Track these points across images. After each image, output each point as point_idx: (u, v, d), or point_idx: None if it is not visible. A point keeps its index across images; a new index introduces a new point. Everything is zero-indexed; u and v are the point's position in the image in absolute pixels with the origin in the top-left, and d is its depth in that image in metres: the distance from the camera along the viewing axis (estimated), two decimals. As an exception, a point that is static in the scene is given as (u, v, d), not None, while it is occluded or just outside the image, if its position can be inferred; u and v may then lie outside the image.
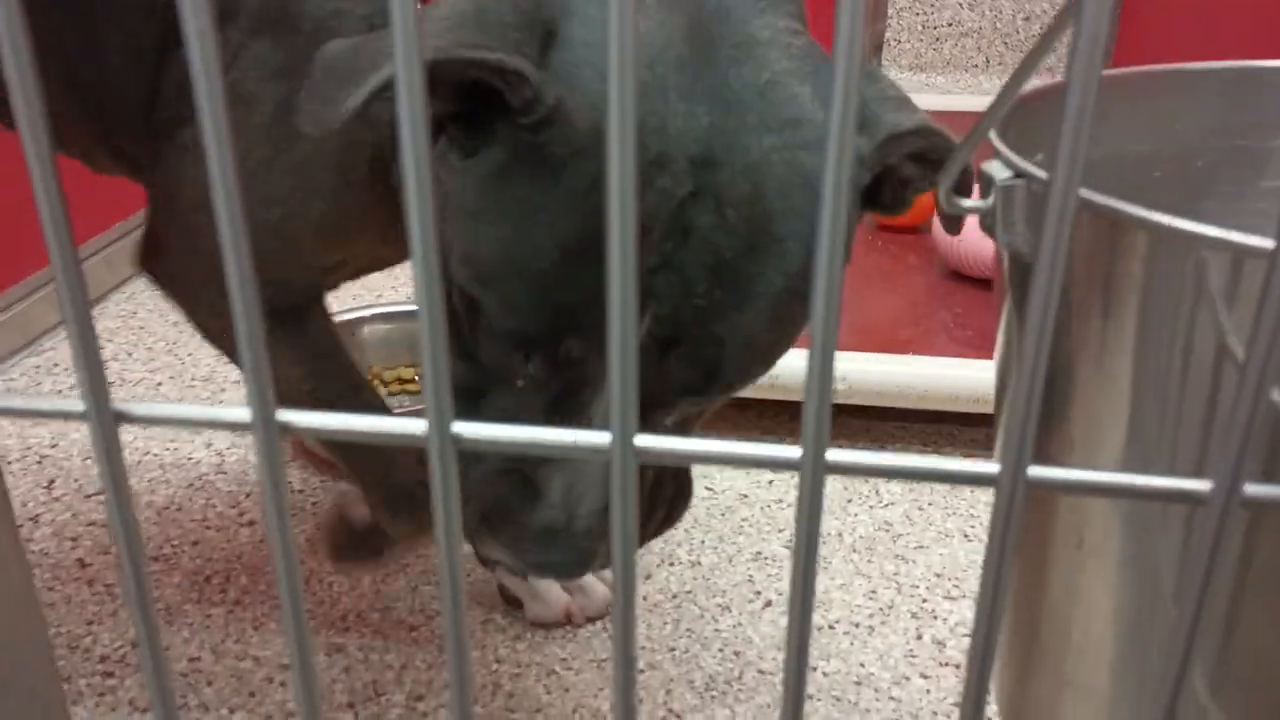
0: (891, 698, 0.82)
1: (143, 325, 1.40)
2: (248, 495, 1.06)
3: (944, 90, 2.50)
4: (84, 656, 0.86)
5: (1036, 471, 0.26)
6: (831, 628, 0.89)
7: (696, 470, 1.07)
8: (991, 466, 0.27)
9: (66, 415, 0.30)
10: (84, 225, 1.46)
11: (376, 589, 0.93)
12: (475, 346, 0.49)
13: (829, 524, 1.02)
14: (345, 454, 0.72)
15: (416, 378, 1.22)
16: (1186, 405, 0.36)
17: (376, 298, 1.45)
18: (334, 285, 0.69)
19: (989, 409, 1.10)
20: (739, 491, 1.07)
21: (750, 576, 0.95)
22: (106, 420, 0.30)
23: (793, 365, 0.84)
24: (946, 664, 0.86)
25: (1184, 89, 0.51)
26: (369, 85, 0.42)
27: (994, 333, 0.49)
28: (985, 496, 1.05)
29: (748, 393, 0.79)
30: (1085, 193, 0.37)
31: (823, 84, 0.47)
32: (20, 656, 0.58)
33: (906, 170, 0.48)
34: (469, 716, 0.29)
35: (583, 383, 0.46)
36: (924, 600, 0.92)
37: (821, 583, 0.94)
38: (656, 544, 1.00)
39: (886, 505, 1.05)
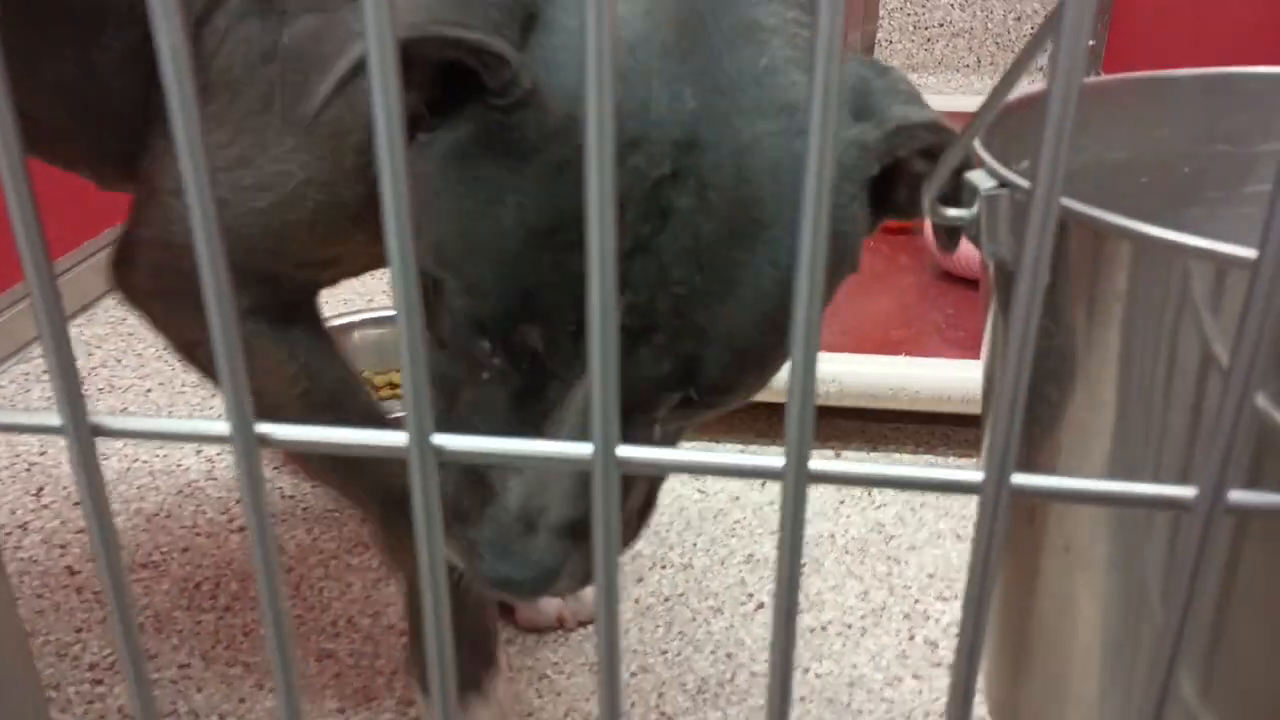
0: (884, 699, 0.82)
1: (132, 331, 1.39)
2: (238, 501, 1.06)
3: (935, 90, 2.50)
4: (73, 664, 0.85)
5: (1020, 479, 0.26)
6: (824, 629, 0.89)
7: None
8: (975, 475, 0.27)
9: (43, 430, 0.30)
10: (75, 231, 1.45)
11: (367, 594, 0.93)
12: (444, 335, 0.48)
13: (821, 526, 1.02)
14: (334, 472, 0.69)
15: (389, 385, 1.21)
16: (1171, 413, 0.36)
17: (368, 302, 1.44)
18: (328, 282, 0.67)
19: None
20: (731, 494, 1.07)
21: (742, 579, 0.95)
22: (83, 434, 0.30)
23: (784, 367, 0.84)
24: (939, 665, 0.86)
25: (1166, 95, 0.51)
26: (337, 71, 0.41)
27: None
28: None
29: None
30: (1069, 202, 0.37)
31: None
32: (1, 665, 0.58)
33: (918, 167, 0.47)
34: (451, 731, 0.29)
35: (548, 376, 0.45)
36: (916, 601, 0.92)
37: (814, 584, 0.94)
38: (648, 547, 1.00)
39: (879, 507, 1.05)
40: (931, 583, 0.95)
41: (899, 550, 0.99)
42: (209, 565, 0.96)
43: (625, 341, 0.43)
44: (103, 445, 1.15)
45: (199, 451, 1.15)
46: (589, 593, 0.90)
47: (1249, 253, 0.31)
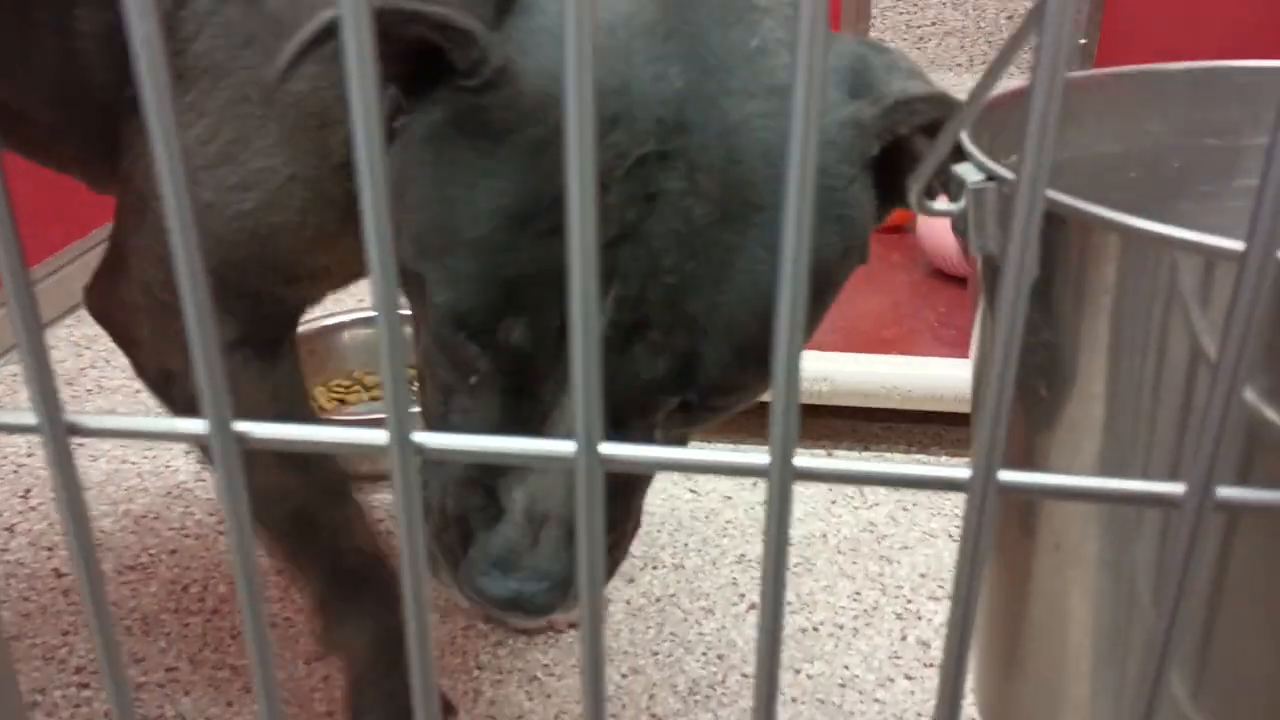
0: (876, 700, 0.82)
1: (121, 331, 1.39)
2: (227, 502, 1.05)
3: (927, 90, 2.50)
4: (59, 667, 0.84)
5: (1007, 476, 0.26)
6: (816, 630, 0.89)
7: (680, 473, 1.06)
8: (962, 472, 0.26)
9: (18, 429, 0.29)
10: (62, 230, 1.44)
11: (357, 596, 0.92)
12: (429, 337, 0.46)
13: (813, 525, 1.02)
14: (288, 535, 0.66)
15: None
16: (1161, 407, 0.35)
17: (359, 302, 1.44)
18: (316, 298, 0.65)
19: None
20: (723, 494, 1.07)
21: (734, 579, 0.95)
22: (59, 433, 0.30)
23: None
24: (931, 665, 0.85)
25: (1155, 89, 0.51)
26: (303, 35, 0.40)
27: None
28: (969, 496, 1.05)
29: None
30: (1057, 195, 0.37)
31: (833, 64, 0.44)
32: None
33: (921, 145, 0.44)
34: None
35: (538, 378, 0.43)
36: (909, 601, 0.92)
37: (806, 584, 0.94)
38: (639, 547, 0.99)
39: (871, 506, 1.05)
40: (924, 582, 0.94)
41: (891, 550, 0.98)
42: (197, 567, 0.95)
43: (617, 338, 0.41)
44: (91, 447, 1.15)
45: (188, 453, 1.14)
46: (580, 594, 0.90)
47: (1237, 245, 0.31)
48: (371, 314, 1.23)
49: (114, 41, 0.59)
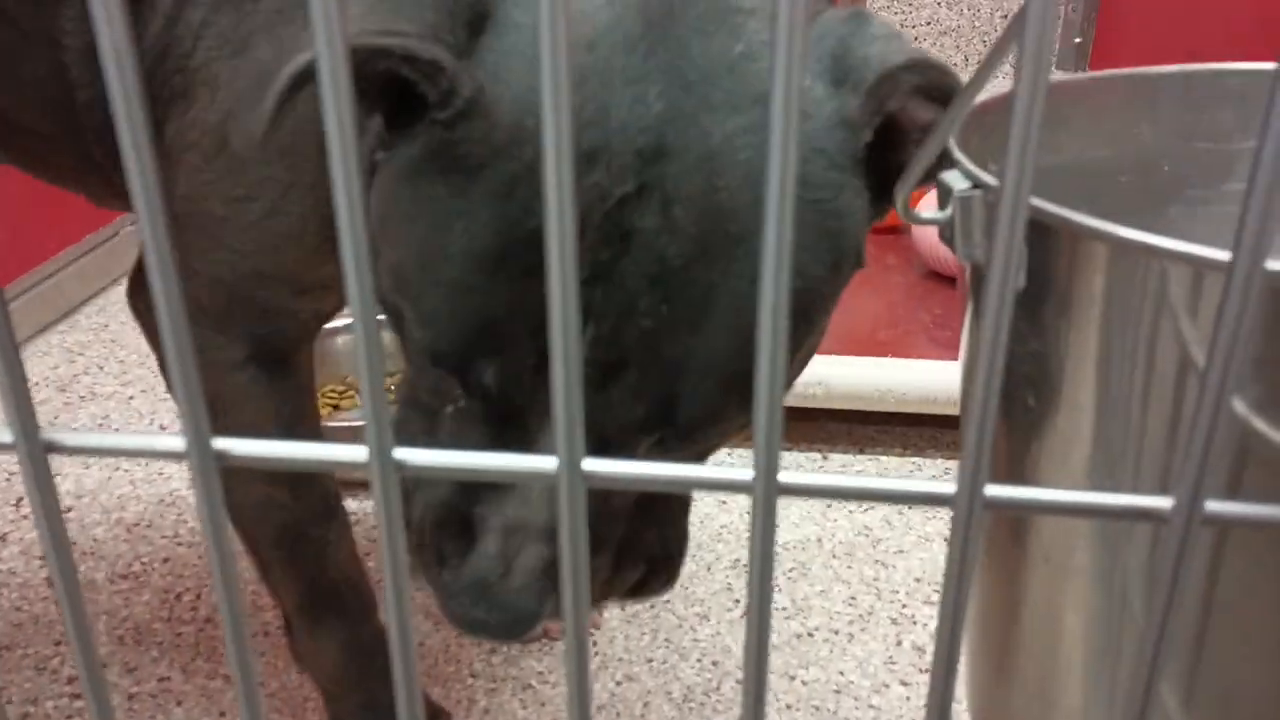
0: (871, 706, 0.81)
1: (114, 338, 1.38)
2: (220, 510, 1.05)
3: (923, 90, 2.50)
4: (51, 678, 0.84)
5: (994, 491, 0.26)
6: (811, 635, 0.88)
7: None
8: (948, 487, 0.26)
9: (-8, 447, 0.29)
10: (55, 237, 1.44)
11: (351, 603, 0.92)
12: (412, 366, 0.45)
13: (808, 530, 1.01)
14: (275, 546, 0.66)
15: (392, 388, 1.20)
16: (1150, 418, 0.35)
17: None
18: (328, 312, 0.63)
19: (967, 411, 1.09)
20: (717, 499, 1.06)
21: (729, 584, 0.94)
22: (35, 451, 0.29)
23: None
24: (927, 670, 0.85)
25: (1146, 93, 0.51)
26: (282, 82, 0.39)
27: (965, 339, 0.48)
28: (965, 499, 1.05)
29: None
30: (1044, 204, 0.37)
31: (815, 52, 0.41)
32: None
33: (917, 113, 0.41)
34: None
35: (516, 413, 0.41)
36: (904, 606, 0.92)
37: (801, 589, 0.94)
38: (635, 553, 0.99)
39: (866, 510, 1.04)
40: (919, 587, 0.94)
41: (886, 554, 0.98)
42: (190, 576, 0.95)
43: (594, 378, 0.40)
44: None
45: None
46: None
47: (1224, 255, 0.31)
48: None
49: (99, 56, 0.59)
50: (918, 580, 0.95)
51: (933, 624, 0.90)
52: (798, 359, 0.47)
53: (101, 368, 1.31)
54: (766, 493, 0.27)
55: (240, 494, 0.64)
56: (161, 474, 1.10)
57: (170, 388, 0.66)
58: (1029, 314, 0.39)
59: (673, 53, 0.40)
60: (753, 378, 0.40)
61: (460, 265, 0.39)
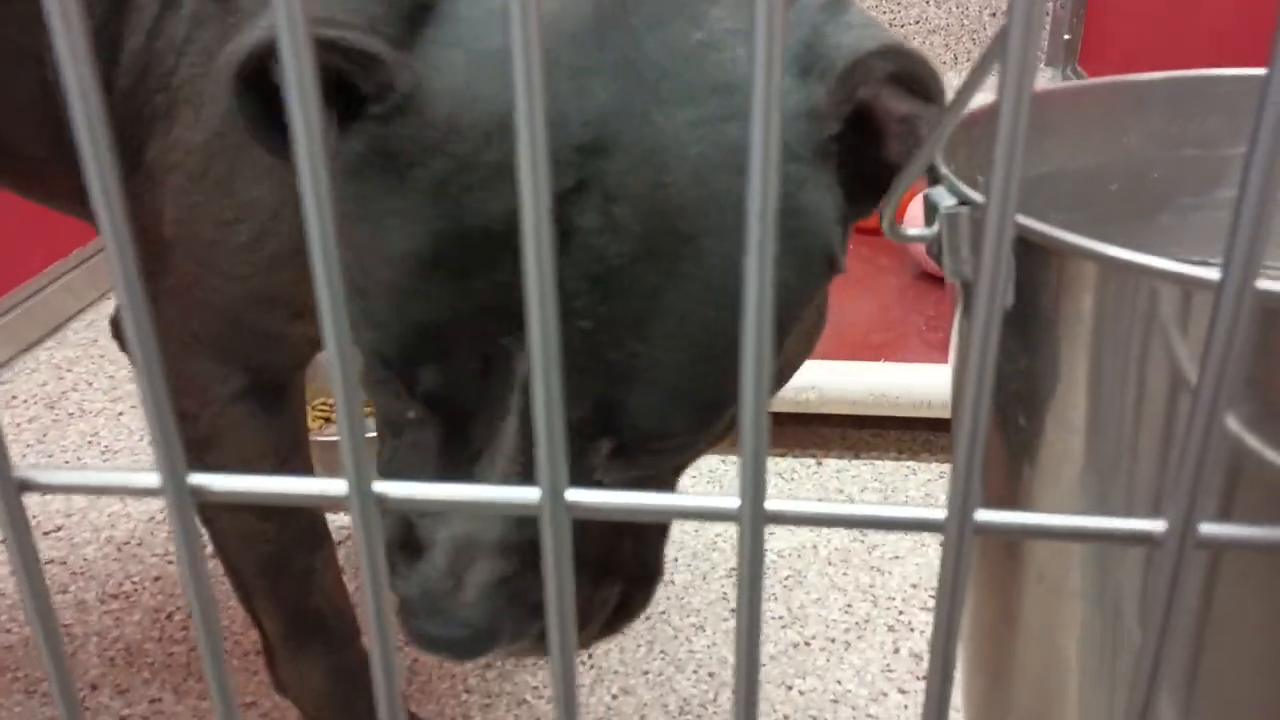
0: (869, 715, 0.81)
1: (103, 354, 1.37)
2: (212, 526, 1.04)
3: (912, 91, 2.49)
4: (42, 701, 0.83)
5: (984, 516, 0.25)
6: (807, 644, 0.88)
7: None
8: (938, 512, 0.26)
9: (-37, 486, 0.28)
10: (44, 252, 1.43)
11: (344, 619, 0.91)
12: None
13: (804, 536, 1.01)
14: (260, 574, 0.65)
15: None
16: (1142, 438, 0.35)
17: (343, 318, 1.43)
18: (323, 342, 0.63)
19: (961, 415, 1.09)
20: (713, 506, 1.06)
21: (725, 594, 0.94)
22: (9, 490, 0.29)
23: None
24: (924, 678, 0.85)
25: (1134, 100, 0.50)
26: (231, 68, 0.38)
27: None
28: (960, 503, 1.05)
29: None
30: (1032, 223, 0.36)
31: (785, 40, 0.40)
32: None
33: (893, 105, 0.39)
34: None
35: (463, 420, 0.40)
36: (900, 612, 0.91)
37: (797, 597, 0.93)
38: (630, 563, 0.99)
39: (861, 515, 1.04)
40: (915, 593, 0.94)
41: (882, 560, 0.98)
42: (182, 595, 0.94)
43: (525, 388, 0.38)
44: (73, 472, 1.13)
45: (172, 476, 1.13)
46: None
47: (1213, 274, 0.31)
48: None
49: (106, 77, 0.57)
50: (914, 586, 0.94)
51: (930, 630, 0.89)
52: (776, 369, 0.45)
53: (90, 384, 1.30)
54: (754, 521, 0.27)
55: (226, 524, 0.64)
56: (152, 491, 1.10)
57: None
58: (1018, 332, 0.38)
59: (625, 43, 0.38)
60: (705, 392, 0.39)
61: (398, 266, 0.38)
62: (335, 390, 0.25)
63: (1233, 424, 0.31)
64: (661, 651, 0.87)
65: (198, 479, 0.28)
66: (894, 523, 0.26)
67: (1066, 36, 2.32)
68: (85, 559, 0.99)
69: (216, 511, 0.63)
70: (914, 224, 0.38)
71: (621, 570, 0.45)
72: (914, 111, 0.39)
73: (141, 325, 0.25)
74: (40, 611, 0.30)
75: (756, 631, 0.27)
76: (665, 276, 0.37)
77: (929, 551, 0.99)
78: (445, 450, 0.41)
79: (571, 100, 0.37)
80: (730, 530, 1.02)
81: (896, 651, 0.87)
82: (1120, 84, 0.51)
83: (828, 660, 0.86)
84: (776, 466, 1.11)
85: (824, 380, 1.09)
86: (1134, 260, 0.32)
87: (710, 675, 0.85)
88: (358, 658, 0.70)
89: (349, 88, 0.40)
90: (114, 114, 0.57)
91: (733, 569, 0.97)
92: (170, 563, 0.99)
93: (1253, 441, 0.31)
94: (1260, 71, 0.50)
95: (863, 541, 1.00)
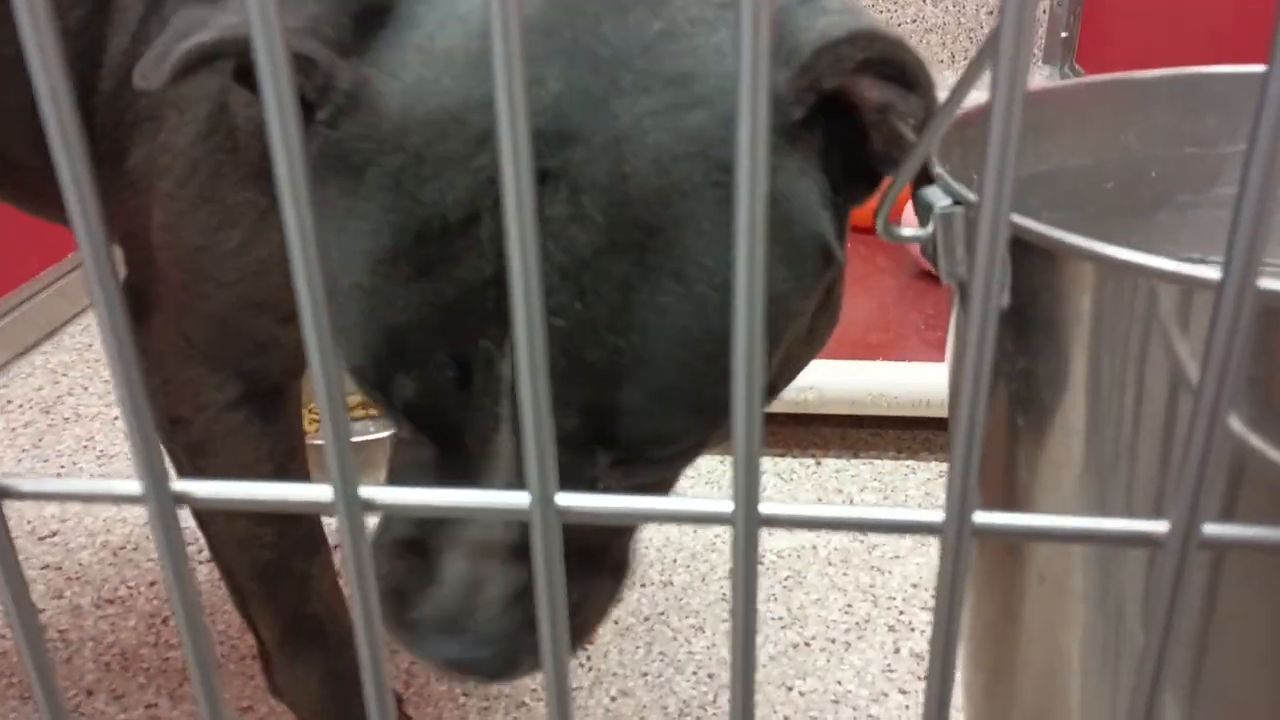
0: (870, 715, 0.80)
1: (99, 358, 1.37)
2: (208, 530, 1.04)
3: (910, 89, 2.49)
4: (35, 707, 0.82)
5: (983, 518, 0.25)
6: (807, 645, 0.87)
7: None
8: (936, 515, 0.25)
9: (-58, 494, 0.28)
10: (38, 257, 1.42)
11: (341, 623, 0.91)
12: None
13: (803, 537, 1.00)
14: (257, 580, 0.64)
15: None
16: (1142, 439, 0.34)
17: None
18: None
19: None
20: (711, 507, 1.05)
21: (724, 595, 0.93)
22: (-12, 498, 0.28)
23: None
24: (925, 678, 0.84)
25: (1131, 98, 0.50)
26: (177, 57, 0.37)
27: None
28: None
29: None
30: (1028, 222, 0.36)
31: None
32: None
33: (867, 93, 0.37)
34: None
35: (452, 430, 0.38)
36: (901, 612, 0.91)
37: (796, 598, 0.93)
38: (628, 565, 0.98)
39: (861, 515, 1.04)
40: (916, 592, 0.93)
41: (882, 560, 0.97)
42: (178, 598, 0.94)
43: (514, 388, 0.36)
44: (72, 476, 1.13)
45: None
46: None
47: (1213, 273, 0.30)
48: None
49: (89, 79, 0.56)
50: (914, 585, 0.94)
51: (930, 630, 0.89)
52: (776, 367, 0.43)
53: (86, 389, 1.30)
54: (748, 525, 0.26)
55: (223, 530, 0.63)
56: (148, 495, 1.09)
57: (155, 429, 0.63)
58: (1015, 333, 0.38)
59: (580, 32, 0.37)
60: (695, 389, 0.38)
61: (360, 268, 0.37)
62: (318, 393, 0.24)
63: (1235, 424, 0.31)
64: (660, 653, 0.87)
65: (181, 485, 0.28)
66: (891, 525, 0.26)
67: (1064, 34, 2.32)
68: (80, 564, 0.98)
69: (213, 517, 0.63)
70: (909, 224, 0.37)
71: (603, 562, 0.44)
72: (889, 99, 0.38)
73: (119, 329, 0.24)
74: (25, 620, 0.30)
75: (752, 633, 0.27)
76: (634, 267, 0.35)
77: (930, 551, 0.98)
78: (442, 468, 0.40)
79: (530, 89, 0.36)
80: (727, 531, 1.02)
81: (897, 652, 0.86)
82: (1117, 82, 0.51)
83: (828, 661, 0.86)
84: (775, 467, 1.11)
85: (823, 380, 1.08)
86: (1132, 260, 0.31)
87: (710, 677, 0.84)
88: (355, 663, 0.69)
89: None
90: (99, 117, 0.56)
91: (731, 570, 0.97)
92: (164, 576, 0.98)
93: (1255, 442, 0.31)
94: (1259, 68, 0.50)
95: (863, 542, 1.00)
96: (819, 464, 1.12)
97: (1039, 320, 0.36)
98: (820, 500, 1.07)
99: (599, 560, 0.43)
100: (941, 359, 1.12)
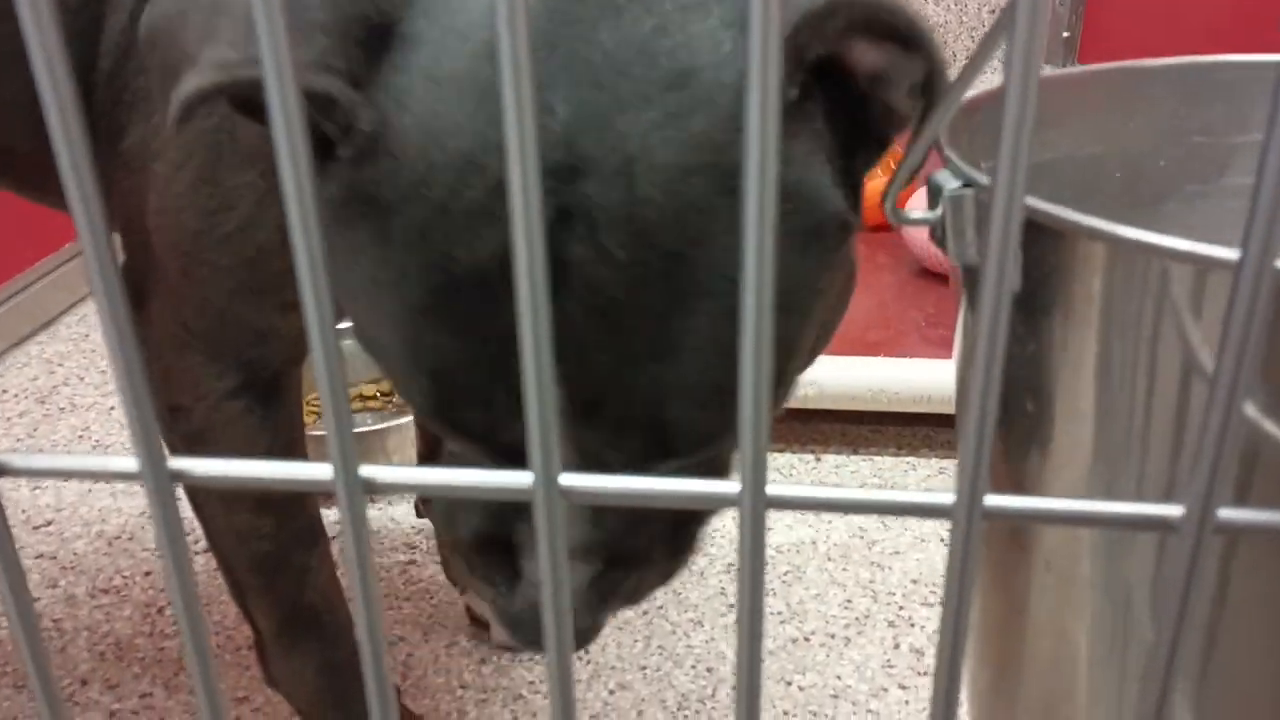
0: (869, 710, 0.80)
1: (95, 349, 1.36)
2: (205, 521, 1.03)
3: (911, 87, 2.49)
4: (31, 696, 0.82)
5: (994, 501, 0.24)
6: (807, 639, 0.87)
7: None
8: (946, 497, 0.25)
9: (-65, 471, 0.27)
10: (35, 247, 1.42)
11: (338, 615, 0.90)
12: None
13: (803, 532, 1.00)
14: (256, 571, 0.64)
15: (378, 394, 1.19)
16: (1154, 424, 0.34)
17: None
18: None
19: (961, 410, 1.08)
20: (710, 501, 1.05)
21: (723, 589, 0.93)
22: (-19, 474, 0.28)
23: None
24: (925, 673, 0.84)
25: (1138, 87, 0.49)
26: (182, 96, 0.36)
27: (958, 338, 0.47)
28: (960, 499, 1.04)
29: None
30: (1038, 204, 0.35)
31: (738, 3, 0.35)
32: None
33: (860, 60, 0.36)
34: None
35: (518, 450, 0.37)
36: (901, 608, 0.90)
37: (796, 593, 0.92)
38: (626, 559, 0.98)
39: (860, 511, 1.03)
40: (916, 588, 0.93)
41: (882, 556, 0.97)
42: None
43: (576, 417, 0.36)
44: (65, 467, 1.12)
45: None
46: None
47: (1230, 253, 0.30)
48: (346, 325, 1.21)
49: (87, 59, 0.55)
50: (914, 581, 0.94)
51: (930, 626, 0.89)
52: (789, 352, 0.41)
53: (82, 378, 1.29)
54: (755, 506, 0.26)
55: (222, 521, 0.62)
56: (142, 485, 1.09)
57: (155, 419, 0.62)
58: (1025, 316, 0.37)
59: (578, 43, 0.35)
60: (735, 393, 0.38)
61: (401, 322, 0.37)
62: (318, 373, 0.24)
63: (1249, 408, 0.30)
64: (659, 647, 0.86)
65: (178, 463, 0.28)
66: (901, 508, 0.26)
67: (1066, 34, 2.32)
68: (75, 553, 0.98)
69: (212, 507, 0.62)
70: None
71: (658, 551, 0.44)
72: (882, 64, 0.36)
73: (116, 310, 0.24)
74: (20, 609, 0.29)
75: (759, 618, 0.27)
76: (662, 296, 0.35)
77: (929, 547, 0.98)
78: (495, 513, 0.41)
79: (540, 118, 0.34)
80: (727, 525, 1.02)
81: (897, 647, 0.86)
82: (1123, 71, 0.50)
83: (827, 656, 0.85)
84: (775, 462, 1.11)
85: (823, 376, 1.08)
86: (1144, 240, 0.31)
87: (708, 670, 0.84)
88: (351, 653, 0.69)
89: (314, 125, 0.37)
90: (97, 95, 0.55)
91: (730, 564, 0.96)
92: (161, 556, 0.97)
93: (1269, 426, 0.30)
94: (1266, 57, 0.50)
95: (862, 537, 0.99)
96: (819, 460, 1.11)
97: (1049, 303, 0.36)
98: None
99: (679, 542, 0.44)
100: (941, 356, 1.12)
